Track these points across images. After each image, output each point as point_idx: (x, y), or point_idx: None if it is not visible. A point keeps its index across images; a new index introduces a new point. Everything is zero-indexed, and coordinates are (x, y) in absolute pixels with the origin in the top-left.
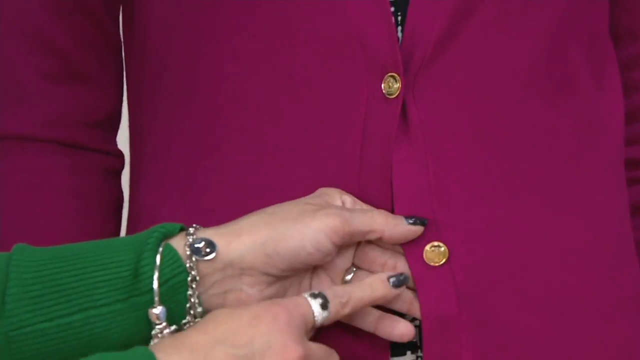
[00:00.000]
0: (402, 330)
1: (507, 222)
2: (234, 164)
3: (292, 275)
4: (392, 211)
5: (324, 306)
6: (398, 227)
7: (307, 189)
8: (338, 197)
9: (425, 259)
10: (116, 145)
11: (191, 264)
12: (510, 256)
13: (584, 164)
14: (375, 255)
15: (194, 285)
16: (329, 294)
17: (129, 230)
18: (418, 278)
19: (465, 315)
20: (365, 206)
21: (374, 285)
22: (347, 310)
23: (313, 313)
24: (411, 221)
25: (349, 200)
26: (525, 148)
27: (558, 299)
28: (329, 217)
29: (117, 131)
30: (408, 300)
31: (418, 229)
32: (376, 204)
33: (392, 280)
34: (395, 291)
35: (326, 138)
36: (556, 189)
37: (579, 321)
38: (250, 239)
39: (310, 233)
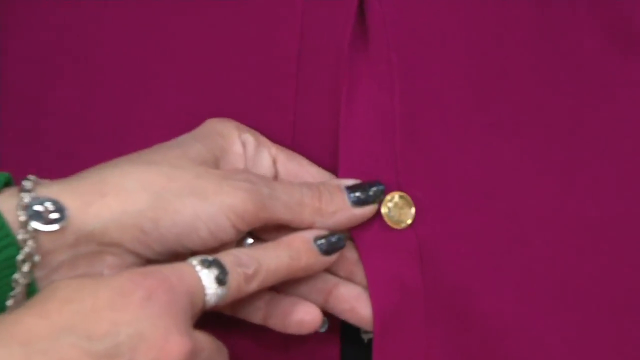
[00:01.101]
0: (301, 315)
1: (497, 172)
2: (96, 86)
3: (169, 259)
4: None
5: (221, 280)
6: (337, 215)
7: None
8: (236, 137)
9: (383, 219)
10: None
11: (26, 236)
12: (500, 222)
13: (611, 86)
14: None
15: (25, 268)
16: (227, 261)
17: None
18: (365, 248)
19: (434, 306)
20: (276, 149)
21: (293, 248)
22: (253, 286)
23: (204, 289)
24: (355, 197)
25: (250, 140)
26: (529, 63)
27: (561, 290)
28: (239, 194)
29: None
30: (325, 290)
31: (367, 212)
32: (315, 145)
33: (320, 243)
34: (325, 259)
35: (248, 46)
36: (568, 123)
37: (590, 324)
38: (120, 203)
39: (209, 212)
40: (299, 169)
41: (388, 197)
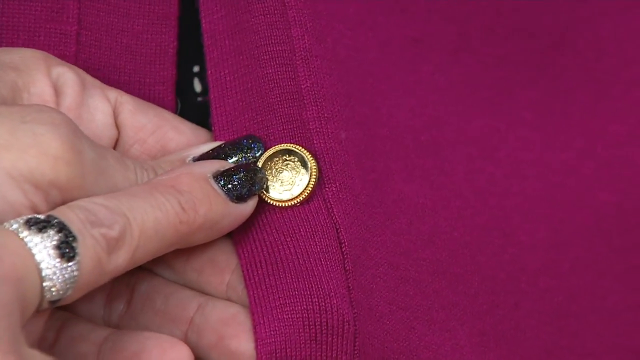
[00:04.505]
0: (156, 355)
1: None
2: None
3: None
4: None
5: (67, 251)
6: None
7: None
8: (41, 73)
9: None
10: None
11: None
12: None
13: None
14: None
15: None
16: (73, 218)
17: None
18: (241, 244)
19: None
20: (118, 93)
21: (182, 191)
22: (121, 257)
23: (39, 270)
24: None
25: (69, 80)
26: None
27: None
28: (48, 147)
29: None
30: (183, 316)
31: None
32: (105, 63)
33: (223, 181)
34: (235, 208)
35: None
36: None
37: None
38: None
39: None
40: (159, 122)
41: (270, 152)
